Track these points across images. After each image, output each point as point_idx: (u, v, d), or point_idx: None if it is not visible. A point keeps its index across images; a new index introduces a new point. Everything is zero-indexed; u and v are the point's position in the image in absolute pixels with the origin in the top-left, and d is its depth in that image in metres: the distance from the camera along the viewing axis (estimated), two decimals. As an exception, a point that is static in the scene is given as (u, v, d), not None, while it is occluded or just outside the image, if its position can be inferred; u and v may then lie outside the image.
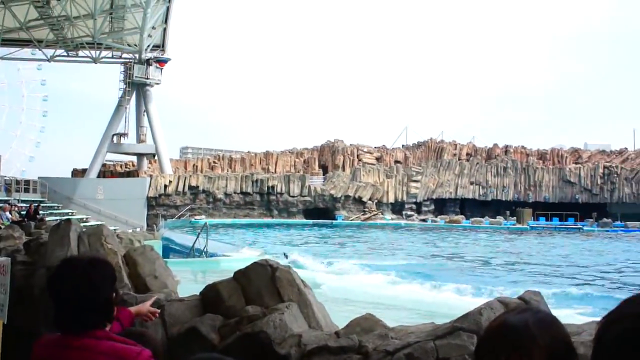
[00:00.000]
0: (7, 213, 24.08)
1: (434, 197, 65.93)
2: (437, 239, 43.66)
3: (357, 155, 67.90)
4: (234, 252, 23.61)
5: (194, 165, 65.72)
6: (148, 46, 53.06)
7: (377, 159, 69.06)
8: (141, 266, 6.73)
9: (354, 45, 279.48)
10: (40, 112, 79.86)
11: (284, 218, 59.77)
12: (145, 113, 57.03)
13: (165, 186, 56.06)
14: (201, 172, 62.43)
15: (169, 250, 24.37)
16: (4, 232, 11.19)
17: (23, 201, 36.33)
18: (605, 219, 59.18)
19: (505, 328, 1.34)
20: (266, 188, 60.24)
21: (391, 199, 64.51)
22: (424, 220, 62.38)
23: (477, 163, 67.78)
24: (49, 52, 50.73)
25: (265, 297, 5.42)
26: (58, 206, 44.11)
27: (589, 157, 70.88)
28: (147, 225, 47.21)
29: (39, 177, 48.42)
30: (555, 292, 17.55)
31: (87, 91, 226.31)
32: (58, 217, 29.01)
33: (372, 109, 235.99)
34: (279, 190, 60.50)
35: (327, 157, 68.32)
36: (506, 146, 71.84)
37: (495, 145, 72.30)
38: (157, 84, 57.23)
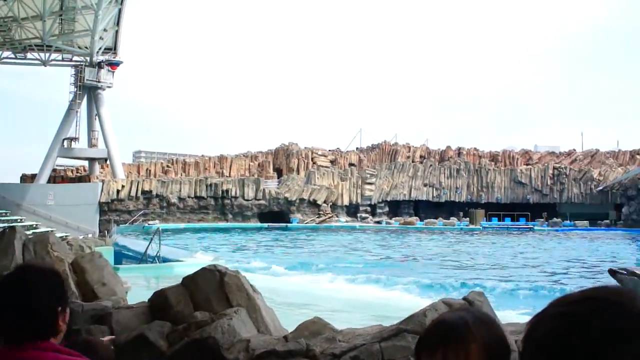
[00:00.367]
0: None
1: (388, 199, 66.29)
2: (391, 240, 44.07)
3: (312, 158, 67.85)
4: (187, 257, 23.38)
5: (147, 169, 64.76)
6: (100, 49, 52.23)
7: (332, 161, 69.10)
8: (89, 273, 6.66)
9: (307, 48, 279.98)
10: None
11: (239, 222, 59.35)
12: (96, 117, 55.91)
13: (118, 191, 55.10)
14: (154, 176, 61.56)
15: (121, 256, 24.09)
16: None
17: (-32, 208, 35.32)
18: (555, 219, 60.44)
19: (443, 325, 1.40)
20: (220, 192, 59.75)
21: (346, 202, 64.69)
22: (378, 222, 62.67)
23: (431, 165, 68.42)
24: (-4, 54, 49.54)
25: (214, 303, 5.43)
26: (6, 212, 42.91)
27: (539, 158, 72.21)
28: (99, 231, 46.30)
29: (-15, 183, 47.14)
30: (500, 292, 18.01)
31: (36, 94, 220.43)
32: (6, 225, 28.27)
33: (326, 111, 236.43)
34: (233, 194, 60.08)
35: (281, 161, 68.15)
36: (459, 148, 72.57)
37: (448, 147, 73.04)
38: (109, 87, 56.22)
